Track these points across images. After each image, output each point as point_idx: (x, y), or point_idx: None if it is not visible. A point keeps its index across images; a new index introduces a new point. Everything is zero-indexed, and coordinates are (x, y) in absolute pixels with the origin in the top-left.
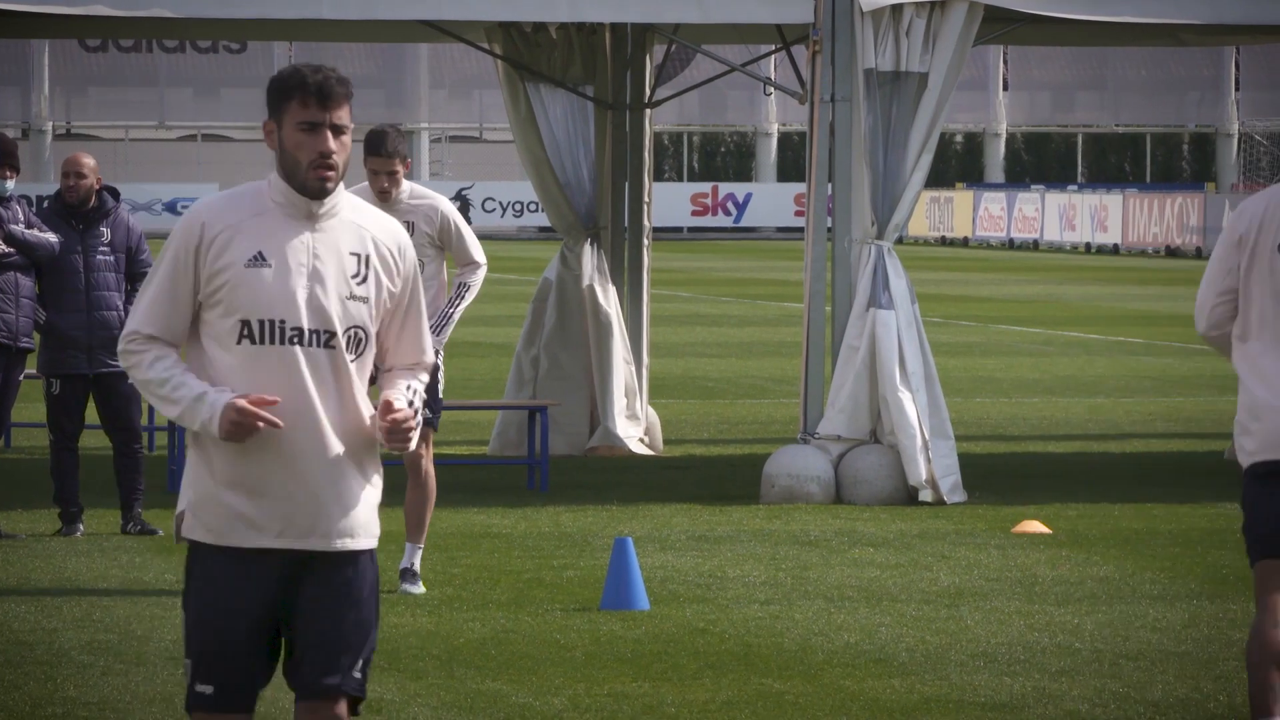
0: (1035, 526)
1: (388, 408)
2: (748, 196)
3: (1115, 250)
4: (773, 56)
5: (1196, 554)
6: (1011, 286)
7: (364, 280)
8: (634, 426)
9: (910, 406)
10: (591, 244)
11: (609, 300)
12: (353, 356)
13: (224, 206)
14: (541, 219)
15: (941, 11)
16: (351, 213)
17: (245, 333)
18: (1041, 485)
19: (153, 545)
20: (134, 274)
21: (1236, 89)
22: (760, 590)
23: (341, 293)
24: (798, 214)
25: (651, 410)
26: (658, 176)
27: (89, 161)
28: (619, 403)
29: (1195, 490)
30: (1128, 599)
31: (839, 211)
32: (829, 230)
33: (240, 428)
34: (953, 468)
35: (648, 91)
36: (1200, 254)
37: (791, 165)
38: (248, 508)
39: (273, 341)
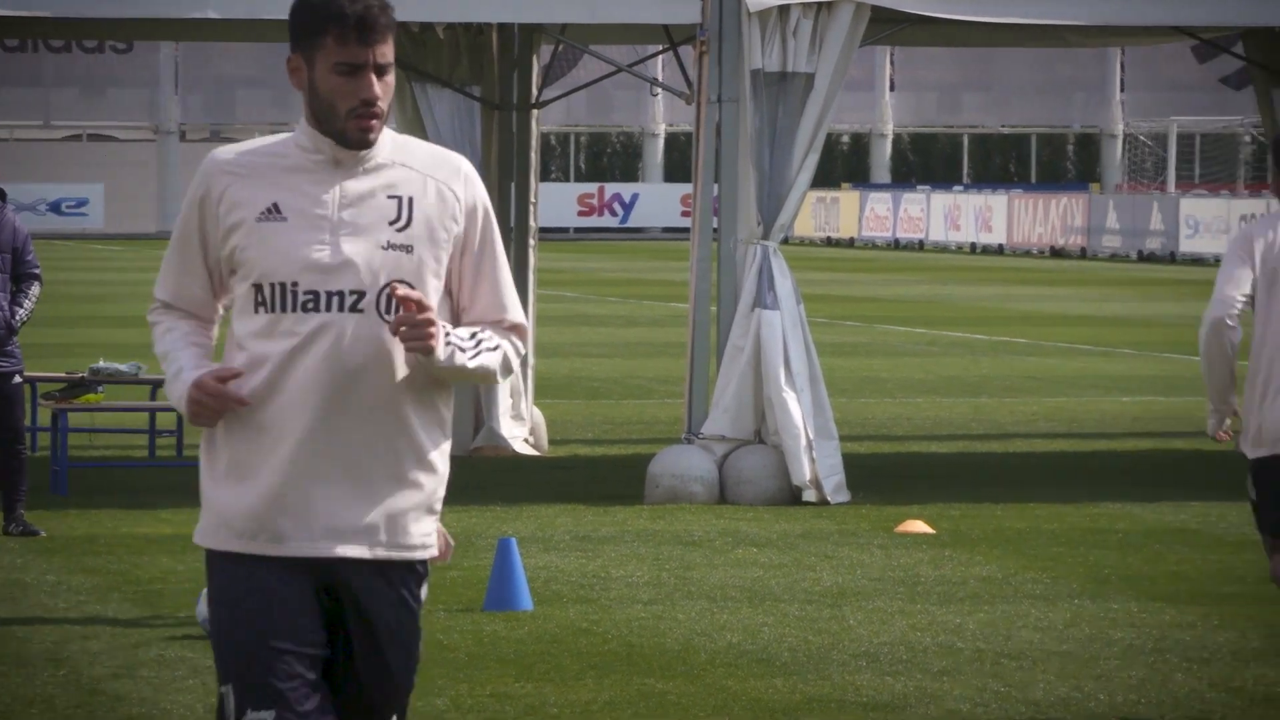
0: (918, 526)
1: (395, 296)
2: (634, 197)
3: (1000, 251)
4: (660, 57)
5: (1078, 554)
6: (897, 287)
7: (407, 224)
8: (519, 427)
9: (795, 407)
10: None
11: None
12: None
13: (239, 154)
14: None
15: (828, 12)
16: (394, 152)
17: (259, 299)
18: (925, 485)
19: (35, 546)
20: (19, 275)
21: (1121, 90)
22: (643, 590)
23: (375, 242)
24: (684, 214)
25: (536, 410)
26: (544, 177)
27: None
28: (504, 403)
29: (1077, 490)
30: (1009, 598)
31: (725, 212)
32: (715, 230)
33: (201, 408)
34: (836, 468)
35: (534, 92)
36: (1084, 254)
37: (678, 165)
38: (262, 509)
39: (285, 309)
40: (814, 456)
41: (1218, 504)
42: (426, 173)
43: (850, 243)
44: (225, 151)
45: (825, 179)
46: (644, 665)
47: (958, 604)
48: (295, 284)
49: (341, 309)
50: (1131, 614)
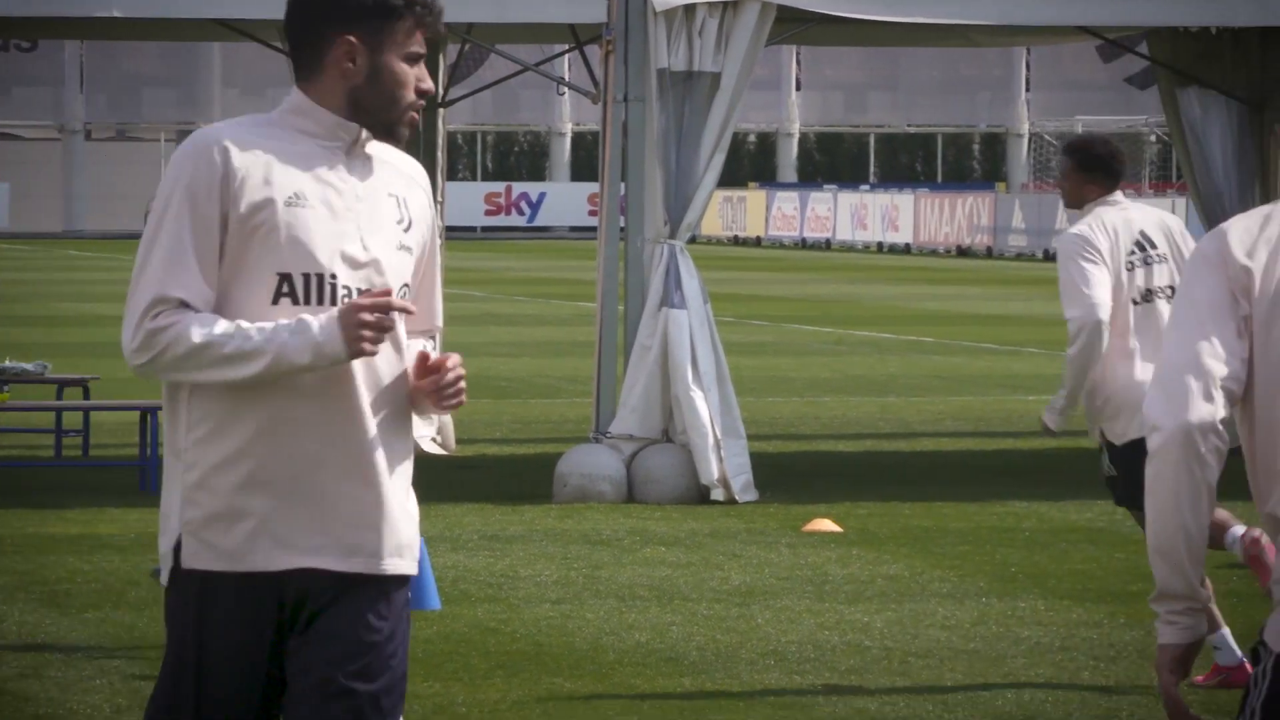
0: (826, 525)
1: (424, 359)
2: (541, 196)
3: (907, 250)
4: (566, 56)
5: (985, 552)
6: (804, 286)
7: (409, 226)
8: (426, 426)
9: (702, 405)
10: None
11: None
12: (403, 323)
13: (244, 132)
14: None
15: (734, 11)
16: (377, 149)
17: (285, 290)
18: (832, 484)
19: None
20: None
21: (1027, 89)
22: (552, 589)
23: (390, 241)
24: (591, 213)
25: None
26: (451, 176)
27: None
28: None
29: (984, 489)
30: (917, 597)
31: (632, 211)
32: (622, 230)
33: (371, 328)
34: (744, 466)
35: (441, 91)
36: (990, 253)
37: (585, 165)
38: (277, 517)
39: (319, 301)
40: (722, 455)
41: None
42: (408, 174)
43: (757, 242)
44: (225, 129)
45: (732, 178)
46: (552, 664)
47: (865, 602)
48: (333, 276)
49: None
50: (1038, 612)
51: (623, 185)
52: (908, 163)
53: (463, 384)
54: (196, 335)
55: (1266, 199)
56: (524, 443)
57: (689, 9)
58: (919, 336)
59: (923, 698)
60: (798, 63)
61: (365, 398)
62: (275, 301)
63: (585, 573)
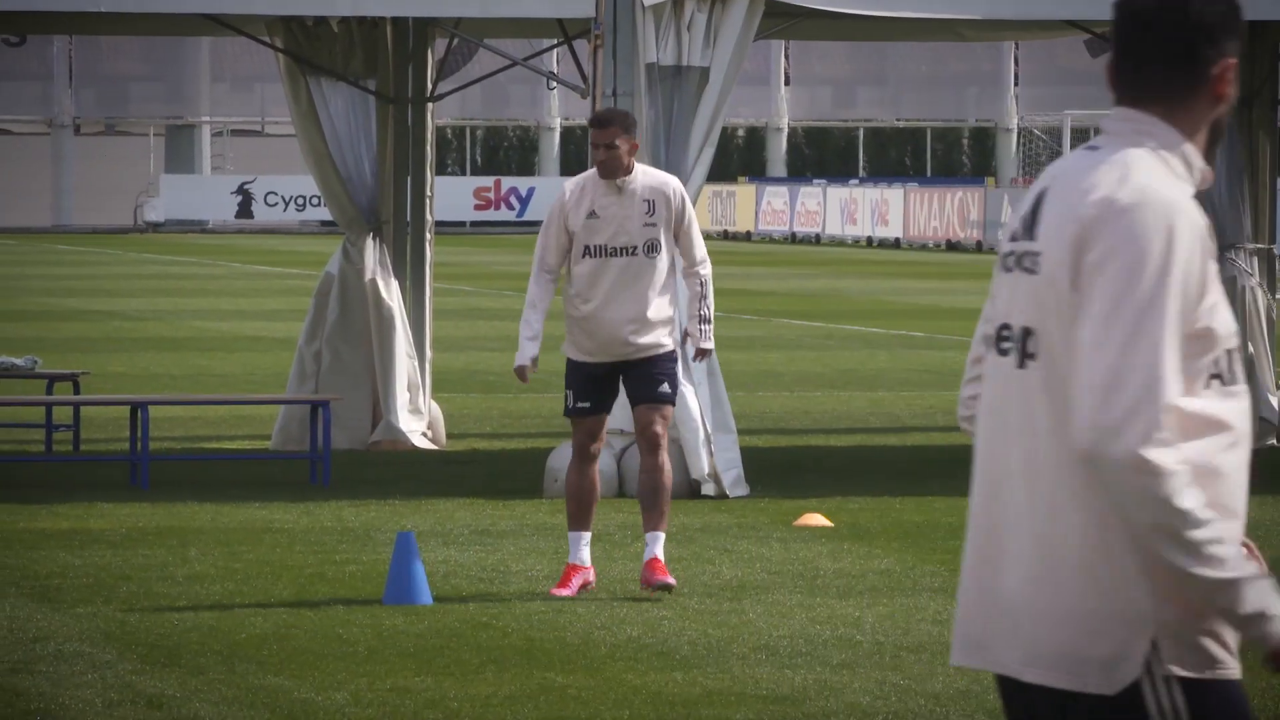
0: (817, 520)
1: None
2: (530, 190)
3: (896, 244)
4: (555, 51)
5: None
6: (793, 280)
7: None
8: (417, 421)
9: (693, 400)
10: (374, 238)
11: (391, 294)
12: None
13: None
14: (324, 213)
15: (722, 6)
16: None
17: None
18: (823, 478)
19: None
20: None
21: (1015, 84)
22: (543, 584)
23: None
24: None
25: (434, 404)
26: (440, 170)
27: None
28: (401, 397)
29: None
30: (909, 591)
31: None
32: None
33: None
34: (735, 461)
35: (429, 85)
36: (980, 247)
37: (574, 159)
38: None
39: None
40: (712, 450)
41: None
42: None
43: (747, 236)
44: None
45: (721, 173)
46: (544, 659)
47: (857, 597)
48: None
49: None
50: None
51: None
52: (897, 157)
53: None
54: (1194, 501)
55: (1255, 194)
56: (514, 437)
57: (677, 3)
58: (909, 331)
59: (914, 692)
60: (786, 57)
61: None
62: (1207, 385)
63: None
